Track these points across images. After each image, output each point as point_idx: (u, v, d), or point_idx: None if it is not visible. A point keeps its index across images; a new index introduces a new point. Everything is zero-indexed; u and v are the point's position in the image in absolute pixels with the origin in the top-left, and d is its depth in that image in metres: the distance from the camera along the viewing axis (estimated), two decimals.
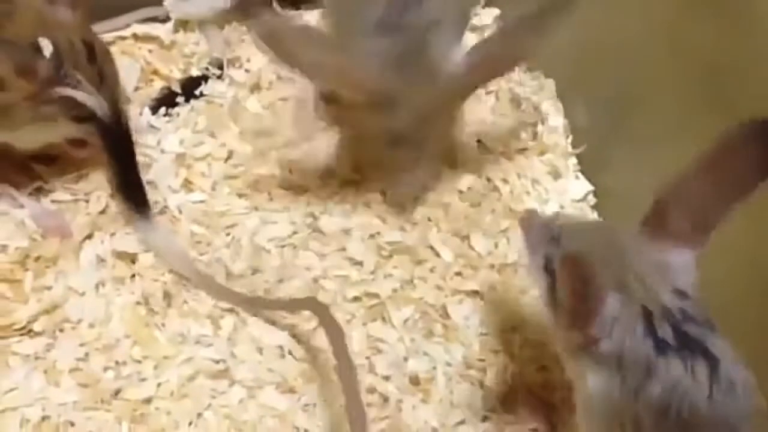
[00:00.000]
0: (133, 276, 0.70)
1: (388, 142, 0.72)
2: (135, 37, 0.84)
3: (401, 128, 0.70)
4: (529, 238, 0.60)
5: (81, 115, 0.67)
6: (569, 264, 0.52)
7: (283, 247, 0.73)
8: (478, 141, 0.81)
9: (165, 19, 0.85)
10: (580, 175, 0.80)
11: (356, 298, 0.71)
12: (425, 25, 0.68)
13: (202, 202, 0.75)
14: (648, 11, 0.72)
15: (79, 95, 0.66)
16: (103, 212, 0.73)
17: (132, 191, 0.71)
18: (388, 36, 0.67)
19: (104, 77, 0.68)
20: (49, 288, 0.68)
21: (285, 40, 0.63)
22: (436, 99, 0.69)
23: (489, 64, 0.69)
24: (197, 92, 0.82)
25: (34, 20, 0.64)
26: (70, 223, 0.72)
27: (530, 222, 0.61)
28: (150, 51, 0.84)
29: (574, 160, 0.80)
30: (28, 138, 0.69)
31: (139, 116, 0.79)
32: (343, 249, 0.73)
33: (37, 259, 0.69)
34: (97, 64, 0.68)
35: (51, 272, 0.69)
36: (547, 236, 0.58)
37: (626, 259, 0.54)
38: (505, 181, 0.78)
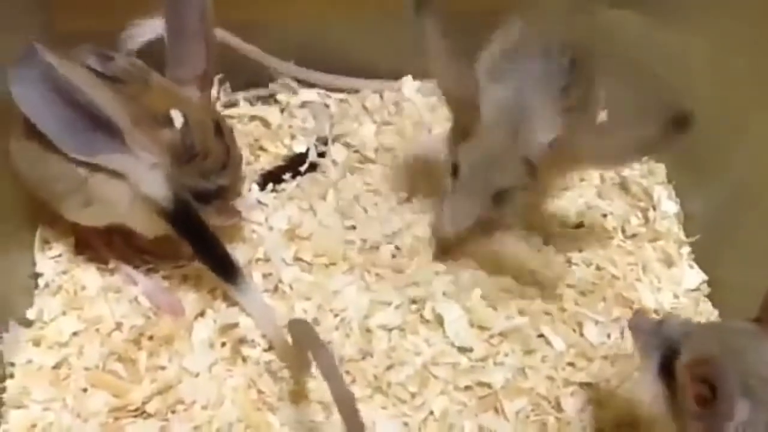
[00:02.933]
0: (245, 359, 0.69)
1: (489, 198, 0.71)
2: (243, 115, 0.86)
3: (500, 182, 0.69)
4: (641, 341, 0.58)
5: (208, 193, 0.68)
6: (697, 369, 0.51)
7: (391, 330, 0.73)
8: (583, 225, 0.81)
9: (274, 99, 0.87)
10: (693, 263, 0.78)
11: (467, 387, 0.70)
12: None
13: (312, 281, 0.74)
14: (765, 96, 0.71)
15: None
16: (213, 290, 0.73)
17: (218, 262, 0.70)
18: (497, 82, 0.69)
19: (230, 153, 0.69)
20: (163, 368, 0.68)
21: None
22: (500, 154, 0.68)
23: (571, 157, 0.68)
24: (303, 168, 0.83)
25: (165, 97, 0.65)
26: (182, 300, 0.72)
27: (640, 324, 0.59)
28: (258, 128, 0.86)
29: (687, 249, 0.78)
30: (146, 221, 0.69)
31: (247, 192, 0.80)
32: (453, 335, 0.72)
33: (151, 338, 0.70)
34: (224, 141, 0.68)
35: (165, 351, 0.69)
36: (660, 339, 0.57)
37: (747, 361, 0.52)
38: (615, 267, 0.77)
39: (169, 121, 0.65)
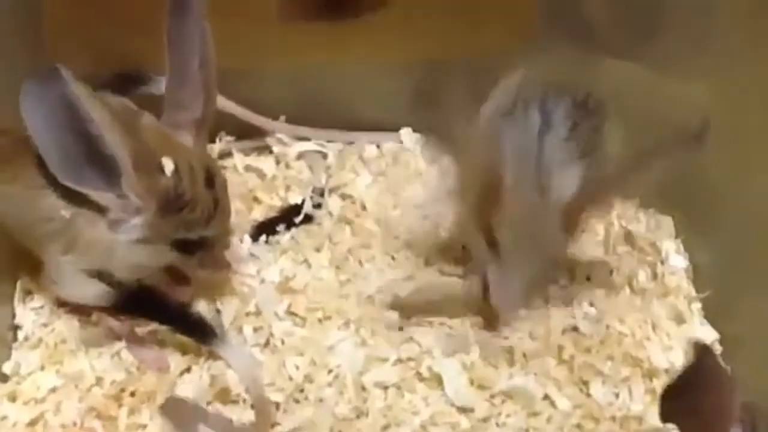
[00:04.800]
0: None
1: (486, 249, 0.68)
2: (238, 166, 0.83)
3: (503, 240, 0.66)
4: None
5: (191, 240, 0.65)
6: None
7: (387, 388, 0.69)
8: (588, 279, 0.77)
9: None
10: (704, 321, 0.74)
11: None
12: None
13: (305, 335, 0.71)
14: None
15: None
16: (200, 345, 0.69)
17: (189, 327, 0.68)
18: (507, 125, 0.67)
19: (219, 204, 0.66)
20: (144, 426, 0.64)
21: None
22: (538, 215, 0.66)
23: (599, 198, 0.67)
24: (297, 220, 0.80)
25: (156, 140, 0.63)
26: (168, 356, 0.69)
27: None
28: (252, 179, 0.83)
29: (698, 305, 0.75)
30: (126, 265, 0.67)
31: (239, 244, 0.77)
32: (452, 394, 0.68)
33: (133, 394, 0.66)
34: (215, 191, 0.66)
35: (147, 409, 0.65)
36: None
37: None
38: (624, 324, 0.73)
39: (161, 168, 0.63)
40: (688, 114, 0.75)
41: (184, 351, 0.69)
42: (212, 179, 0.66)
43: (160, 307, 0.67)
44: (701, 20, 0.75)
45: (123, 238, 0.63)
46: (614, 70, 0.80)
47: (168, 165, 0.63)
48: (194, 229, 0.65)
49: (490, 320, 0.72)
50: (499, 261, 0.67)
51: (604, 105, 0.71)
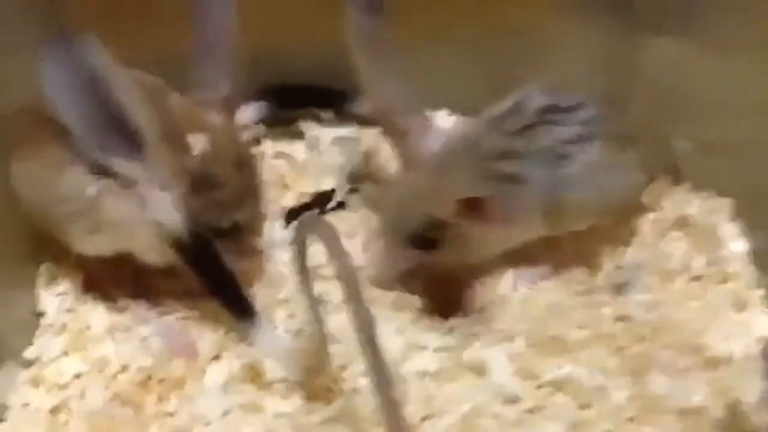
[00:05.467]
0: (262, 408, 0.62)
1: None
2: (269, 151, 0.80)
3: None
4: None
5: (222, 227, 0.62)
6: None
7: (427, 377, 0.65)
8: (640, 266, 0.73)
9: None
10: (766, 308, 0.69)
11: None
12: None
13: (339, 323, 0.67)
14: None
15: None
16: (232, 331, 0.66)
17: (233, 302, 0.64)
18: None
19: (250, 187, 0.63)
20: (171, 414, 0.61)
21: None
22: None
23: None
24: (330, 206, 0.77)
25: (183, 117, 0.60)
26: (196, 341, 0.65)
27: None
28: (283, 165, 0.80)
29: (760, 291, 0.70)
30: (156, 248, 0.63)
31: (270, 231, 0.73)
32: (497, 383, 0.64)
33: (161, 381, 0.63)
34: (245, 173, 0.63)
35: (175, 396, 0.62)
36: None
37: None
38: (680, 312, 0.69)
39: (188, 146, 0.60)
40: (742, 95, 0.72)
41: (213, 337, 0.66)
42: (242, 161, 0.63)
43: (221, 270, 0.62)
44: None
45: (152, 217, 0.60)
46: (655, 47, 0.76)
47: (196, 143, 0.60)
48: (225, 211, 0.62)
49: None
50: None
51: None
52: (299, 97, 0.81)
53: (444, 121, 0.81)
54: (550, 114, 0.64)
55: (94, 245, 0.63)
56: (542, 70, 0.70)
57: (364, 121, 0.82)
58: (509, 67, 0.74)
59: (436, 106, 0.81)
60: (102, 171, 0.59)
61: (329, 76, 0.78)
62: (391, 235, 0.66)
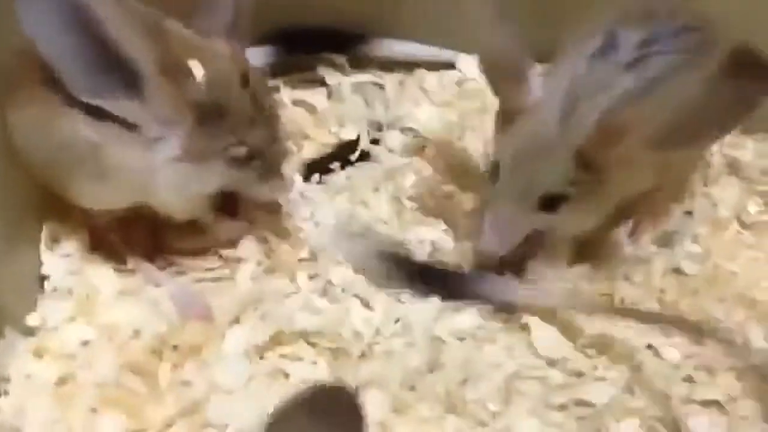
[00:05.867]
0: (287, 375, 0.57)
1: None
2: (286, 101, 0.74)
3: None
4: None
5: (239, 155, 0.57)
6: None
7: (464, 339, 0.60)
8: (689, 214, 0.67)
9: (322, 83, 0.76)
10: None
11: (562, 407, 0.57)
12: None
13: (367, 281, 0.62)
14: None
15: None
16: (250, 294, 0.61)
17: None
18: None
19: (261, 107, 0.57)
20: (188, 384, 0.56)
21: None
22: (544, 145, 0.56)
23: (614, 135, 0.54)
24: (353, 157, 0.72)
25: (181, 44, 0.55)
26: (213, 305, 0.60)
27: None
28: (302, 114, 0.74)
29: None
30: (172, 194, 0.58)
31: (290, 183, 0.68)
32: (540, 344, 0.59)
33: (176, 347, 0.58)
34: (254, 93, 0.57)
35: (192, 364, 0.57)
36: None
37: None
38: (734, 262, 0.64)
39: (189, 74, 0.54)
40: None
41: (232, 300, 0.61)
42: (247, 80, 0.57)
43: None
44: None
45: (162, 158, 0.55)
46: None
47: (197, 69, 0.54)
48: (239, 136, 0.56)
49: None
50: (494, 195, 0.58)
51: (709, 43, 0.59)
52: (311, 41, 0.75)
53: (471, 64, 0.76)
54: (651, 45, 0.57)
55: (100, 197, 0.58)
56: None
57: (383, 65, 0.76)
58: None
59: None
60: (102, 113, 0.54)
61: (342, 19, 0.73)
62: (520, 196, 0.57)
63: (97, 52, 0.51)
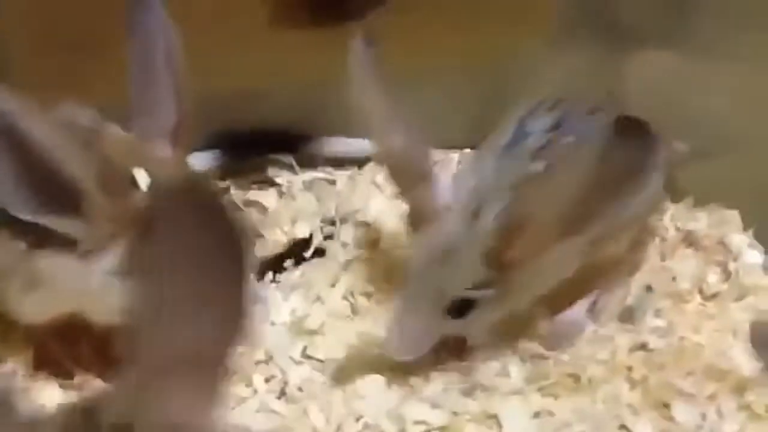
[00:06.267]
0: None
1: None
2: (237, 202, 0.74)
3: None
4: None
5: None
6: None
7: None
8: (649, 289, 0.67)
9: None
10: None
11: None
12: None
13: (327, 381, 0.60)
14: None
15: None
16: None
17: None
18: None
19: None
20: None
21: None
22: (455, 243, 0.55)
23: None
24: (307, 254, 0.70)
25: (122, 152, 0.54)
26: None
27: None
28: (254, 215, 0.73)
29: None
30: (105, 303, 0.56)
31: None
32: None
33: None
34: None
35: None
36: None
37: None
38: (699, 334, 0.63)
39: (132, 183, 0.53)
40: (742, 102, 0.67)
41: None
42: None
43: None
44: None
45: (99, 269, 0.53)
46: (646, 63, 0.72)
47: (141, 177, 0.54)
48: None
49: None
50: (404, 298, 0.56)
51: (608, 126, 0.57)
52: (258, 143, 0.76)
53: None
54: (563, 127, 0.58)
55: (34, 308, 0.56)
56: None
57: (334, 162, 0.77)
58: (495, 98, 0.69)
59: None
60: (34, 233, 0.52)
61: (289, 119, 0.74)
62: (428, 303, 0.55)
63: (33, 171, 0.50)
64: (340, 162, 0.76)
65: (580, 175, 0.52)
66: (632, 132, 0.52)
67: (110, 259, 0.53)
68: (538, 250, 0.54)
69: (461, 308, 0.55)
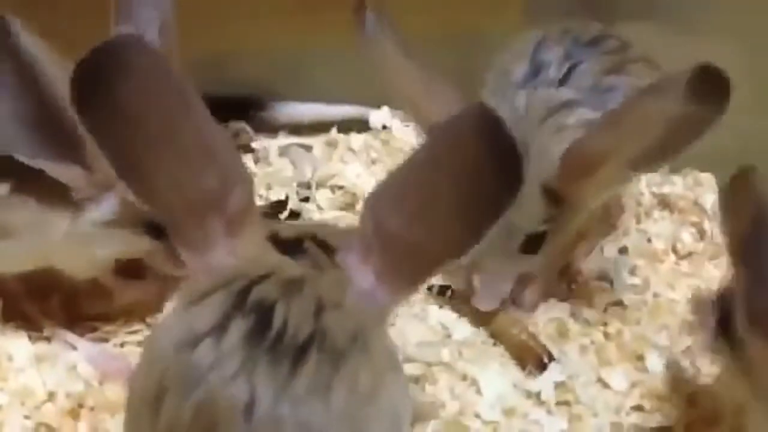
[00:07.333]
0: None
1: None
2: None
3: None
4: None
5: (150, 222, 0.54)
6: None
7: None
8: (624, 251, 0.67)
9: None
10: None
11: None
12: None
13: None
14: None
15: None
16: None
17: None
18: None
19: None
20: None
21: None
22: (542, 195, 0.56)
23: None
24: (282, 216, 0.70)
25: None
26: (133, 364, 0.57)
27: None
28: None
29: None
30: (76, 255, 0.56)
31: None
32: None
33: (93, 408, 0.54)
34: None
35: (111, 424, 0.53)
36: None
37: None
38: (674, 291, 0.63)
39: None
40: None
41: None
42: None
43: None
44: None
45: (87, 220, 0.52)
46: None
47: None
48: None
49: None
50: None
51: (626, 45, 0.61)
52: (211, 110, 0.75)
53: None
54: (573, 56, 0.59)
55: (5, 257, 0.55)
56: None
57: (312, 128, 0.76)
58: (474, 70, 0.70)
59: None
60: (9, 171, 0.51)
61: (245, 85, 0.73)
62: (502, 246, 0.56)
63: (39, 113, 0.49)
64: (318, 127, 0.76)
65: (649, 113, 0.50)
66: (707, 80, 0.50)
67: (104, 208, 0.53)
68: (606, 184, 0.55)
69: (533, 244, 0.57)
